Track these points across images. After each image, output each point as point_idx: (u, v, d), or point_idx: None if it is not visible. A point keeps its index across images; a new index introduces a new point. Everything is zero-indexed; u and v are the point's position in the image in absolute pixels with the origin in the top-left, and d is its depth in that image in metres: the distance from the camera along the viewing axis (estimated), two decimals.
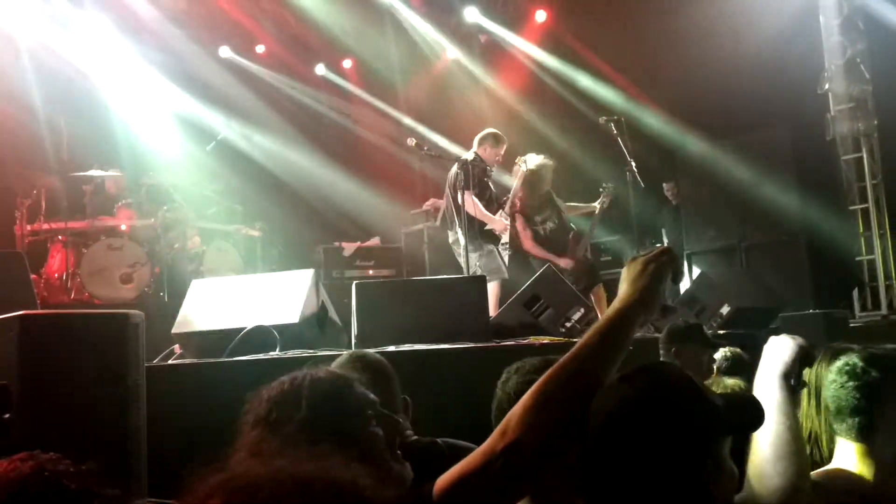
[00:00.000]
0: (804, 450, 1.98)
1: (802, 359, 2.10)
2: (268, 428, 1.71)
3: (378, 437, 1.78)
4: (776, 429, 1.95)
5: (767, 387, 2.05)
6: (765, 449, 1.94)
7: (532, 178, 7.75)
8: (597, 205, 8.06)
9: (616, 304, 1.62)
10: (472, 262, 7.29)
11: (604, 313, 1.68)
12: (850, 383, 2.54)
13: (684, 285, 8.85)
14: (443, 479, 1.53)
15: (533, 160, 7.81)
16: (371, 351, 2.95)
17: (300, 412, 1.71)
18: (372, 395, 1.86)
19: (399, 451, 1.84)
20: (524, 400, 1.53)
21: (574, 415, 1.51)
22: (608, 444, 1.54)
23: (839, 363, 2.70)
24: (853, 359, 2.63)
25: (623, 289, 1.65)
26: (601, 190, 8.00)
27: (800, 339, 2.14)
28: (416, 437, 2.72)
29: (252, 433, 1.72)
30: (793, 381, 2.07)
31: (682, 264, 1.87)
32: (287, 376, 1.81)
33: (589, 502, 1.58)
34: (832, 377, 2.68)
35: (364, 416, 1.78)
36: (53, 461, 1.49)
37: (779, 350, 2.11)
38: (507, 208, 7.73)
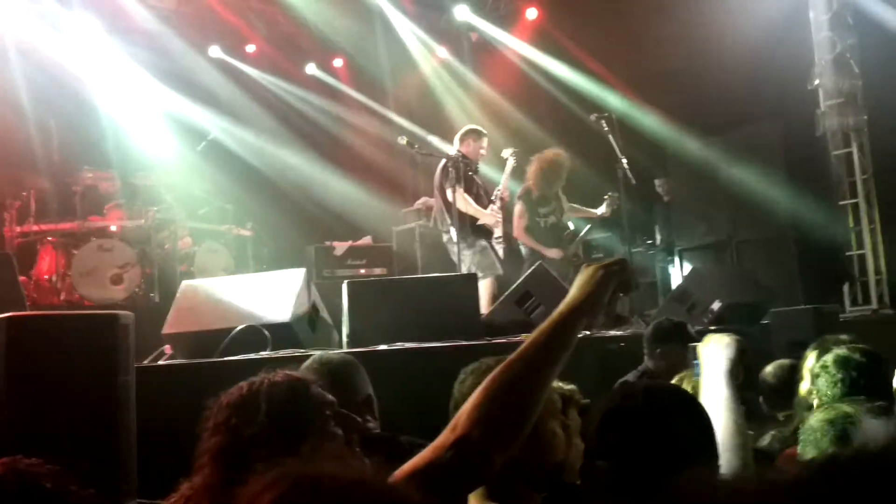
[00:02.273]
0: (749, 442, 2.05)
1: (741, 355, 2.17)
2: (229, 433, 1.74)
3: (336, 436, 1.82)
4: (723, 423, 2.01)
5: (713, 384, 2.13)
6: None
7: (546, 171, 7.81)
8: (599, 211, 8.12)
9: (561, 306, 1.71)
10: (465, 259, 7.29)
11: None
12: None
13: (676, 281, 8.89)
14: (396, 474, 1.59)
15: (549, 155, 7.89)
16: (334, 352, 2.97)
17: (259, 416, 1.75)
18: (329, 396, 1.90)
19: (359, 448, 1.89)
20: (473, 396, 1.61)
21: (519, 410, 1.59)
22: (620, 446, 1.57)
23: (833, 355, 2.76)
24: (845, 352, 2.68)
25: (571, 292, 1.74)
26: (605, 198, 8.04)
27: (736, 336, 2.21)
28: (378, 431, 2.74)
29: (213, 439, 1.75)
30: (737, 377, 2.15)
31: (634, 277, 1.89)
32: (245, 382, 1.85)
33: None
34: (817, 370, 2.75)
35: (322, 417, 1.82)
36: (31, 465, 1.49)
37: (721, 348, 2.18)
38: (497, 201, 7.75)
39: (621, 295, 1.79)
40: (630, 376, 4.38)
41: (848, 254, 9.00)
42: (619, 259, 1.81)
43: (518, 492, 1.94)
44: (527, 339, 1.68)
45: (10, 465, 1.44)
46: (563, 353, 1.65)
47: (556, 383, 2.52)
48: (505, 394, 1.59)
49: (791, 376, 3.68)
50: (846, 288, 8.90)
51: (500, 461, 1.59)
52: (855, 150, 9.02)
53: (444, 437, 1.58)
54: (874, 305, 8.71)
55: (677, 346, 4.25)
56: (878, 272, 8.85)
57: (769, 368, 4.09)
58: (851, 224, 9.03)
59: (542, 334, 1.66)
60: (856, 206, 9.02)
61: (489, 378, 1.62)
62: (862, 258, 8.96)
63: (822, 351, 3.32)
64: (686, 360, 4.18)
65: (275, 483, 1.01)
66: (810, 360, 3.39)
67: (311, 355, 4.35)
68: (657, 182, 10.27)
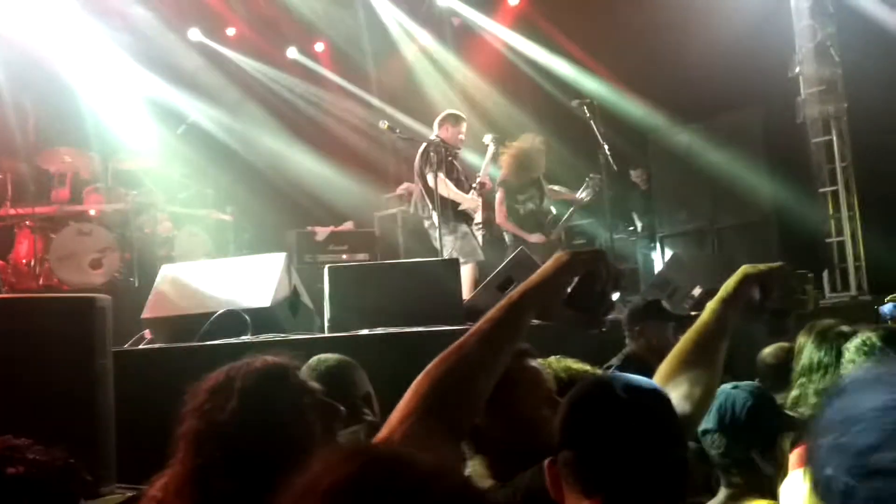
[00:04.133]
0: (717, 378, 1.94)
1: (760, 286, 2.03)
2: (202, 419, 1.73)
3: (311, 425, 1.79)
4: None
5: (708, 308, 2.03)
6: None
7: (524, 157, 7.80)
8: (580, 195, 8.12)
9: (514, 290, 1.59)
10: (447, 245, 7.28)
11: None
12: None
13: (657, 268, 8.91)
14: None
15: (527, 140, 7.87)
16: (331, 354, 2.96)
17: (231, 402, 1.73)
18: (311, 384, 1.87)
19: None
20: (408, 391, 1.47)
21: (450, 408, 1.44)
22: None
23: (856, 342, 2.68)
24: (871, 338, 2.61)
25: (534, 273, 1.63)
26: (587, 180, 8.03)
27: (751, 267, 2.06)
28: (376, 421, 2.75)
29: (188, 424, 1.74)
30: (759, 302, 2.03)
31: (613, 270, 1.78)
32: (226, 367, 1.82)
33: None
34: (850, 356, 2.66)
35: (297, 405, 1.79)
36: (25, 447, 1.48)
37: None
38: (477, 185, 7.74)
39: (602, 294, 1.66)
40: (614, 360, 4.40)
41: (827, 240, 9.05)
42: (594, 249, 1.74)
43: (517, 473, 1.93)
44: (473, 326, 1.53)
45: (4, 449, 1.42)
46: (508, 341, 1.52)
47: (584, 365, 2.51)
48: (438, 388, 1.43)
49: (790, 358, 3.67)
50: (825, 274, 8.96)
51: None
52: (835, 137, 9.05)
53: (379, 435, 1.44)
54: (853, 292, 8.76)
55: (654, 323, 4.29)
56: (857, 259, 8.90)
57: (768, 350, 4.09)
58: (831, 211, 9.08)
59: (488, 321, 1.51)
60: (835, 194, 9.06)
61: (425, 370, 1.48)
62: (841, 245, 9.01)
63: (816, 334, 3.34)
64: (666, 334, 4.21)
65: (344, 461, 0.94)
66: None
67: (291, 340, 4.35)
68: (633, 172, 10.32)
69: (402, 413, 1.43)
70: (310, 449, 1.75)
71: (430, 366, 1.49)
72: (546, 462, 1.58)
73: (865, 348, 2.63)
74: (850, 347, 2.70)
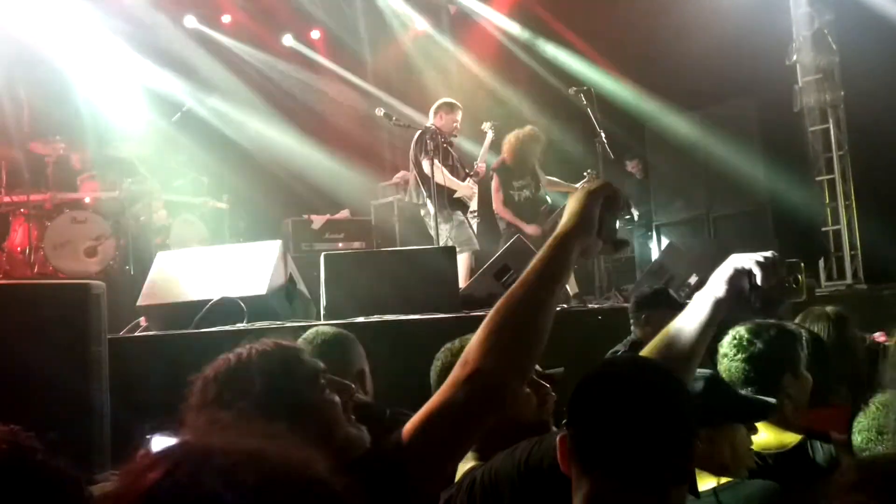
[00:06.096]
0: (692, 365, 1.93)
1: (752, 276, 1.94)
2: (220, 408, 1.66)
3: (333, 403, 1.77)
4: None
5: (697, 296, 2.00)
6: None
7: (521, 146, 7.80)
8: (578, 186, 8.11)
9: (553, 234, 1.70)
10: (443, 233, 7.26)
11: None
12: (739, 356, 2.62)
13: (654, 255, 8.91)
14: (411, 422, 1.59)
15: (525, 130, 7.88)
16: (329, 328, 2.92)
17: (254, 388, 1.67)
18: (321, 363, 1.84)
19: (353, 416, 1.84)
20: (479, 331, 1.62)
21: (526, 335, 1.61)
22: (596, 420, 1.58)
23: (729, 337, 2.74)
24: (739, 331, 2.68)
25: (563, 218, 1.72)
26: (585, 175, 8.05)
27: (742, 256, 1.98)
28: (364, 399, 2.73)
29: (202, 414, 1.65)
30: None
31: (623, 196, 1.86)
32: (230, 353, 1.76)
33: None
34: (722, 352, 2.73)
35: (317, 385, 1.77)
36: (12, 433, 1.46)
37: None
38: (473, 171, 7.73)
39: (618, 218, 1.79)
40: (620, 346, 4.40)
41: (823, 229, 9.07)
42: (602, 181, 1.80)
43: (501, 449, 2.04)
44: (526, 269, 1.68)
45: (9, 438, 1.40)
46: (560, 279, 1.66)
47: None
48: (511, 321, 1.61)
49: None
50: (821, 263, 8.97)
51: (515, 389, 1.61)
52: (832, 126, 9.06)
53: (455, 375, 1.58)
54: (849, 280, 8.80)
55: (661, 311, 4.28)
56: (852, 247, 8.93)
57: None
58: (827, 200, 9.09)
59: (540, 261, 1.66)
60: (832, 182, 9.07)
61: (493, 311, 1.63)
62: (837, 233, 9.04)
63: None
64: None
65: (159, 461, 0.95)
66: None
67: (287, 327, 4.35)
68: (628, 163, 10.33)
69: (486, 346, 1.58)
70: (333, 428, 1.73)
71: (498, 303, 1.63)
72: (558, 437, 1.64)
73: (735, 342, 2.73)
74: (724, 342, 2.78)
